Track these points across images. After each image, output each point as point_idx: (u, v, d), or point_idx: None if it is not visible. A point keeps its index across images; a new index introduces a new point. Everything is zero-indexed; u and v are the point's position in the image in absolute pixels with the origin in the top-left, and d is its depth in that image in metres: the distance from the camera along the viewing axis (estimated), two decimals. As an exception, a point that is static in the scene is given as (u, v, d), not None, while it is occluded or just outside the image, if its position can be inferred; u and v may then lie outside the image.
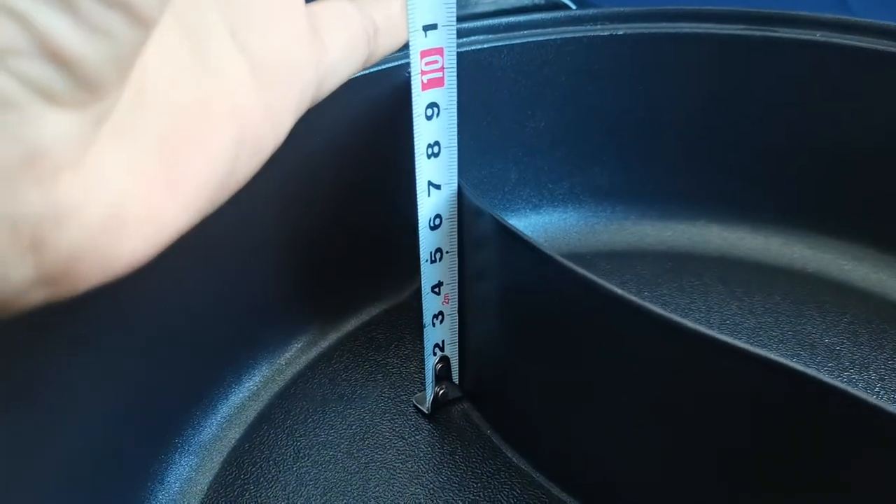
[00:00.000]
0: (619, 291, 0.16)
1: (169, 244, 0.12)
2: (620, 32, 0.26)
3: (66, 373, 0.17)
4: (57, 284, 0.10)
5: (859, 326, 0.24)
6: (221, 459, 0.21)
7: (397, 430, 0.22)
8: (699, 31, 0.26)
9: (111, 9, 0.09)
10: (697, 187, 0.28)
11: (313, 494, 0.20)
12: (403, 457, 0.21)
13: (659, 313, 0.16)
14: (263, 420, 0.22)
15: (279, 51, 0.14)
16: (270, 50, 0.13)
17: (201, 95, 0.12)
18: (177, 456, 0.21)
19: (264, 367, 0.23)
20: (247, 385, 0.23)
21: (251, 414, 0.22)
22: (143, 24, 0.09)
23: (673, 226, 0.28)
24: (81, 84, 0.09)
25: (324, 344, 0.24)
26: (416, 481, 0.20)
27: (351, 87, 0.19)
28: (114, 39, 0.09)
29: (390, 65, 0.23)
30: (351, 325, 0.25)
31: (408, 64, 0.18)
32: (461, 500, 0.20)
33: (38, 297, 0.10)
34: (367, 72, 0.22)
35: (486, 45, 0.25)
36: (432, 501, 0.20)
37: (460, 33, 0.24)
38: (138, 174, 0.11)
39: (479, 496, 0.20)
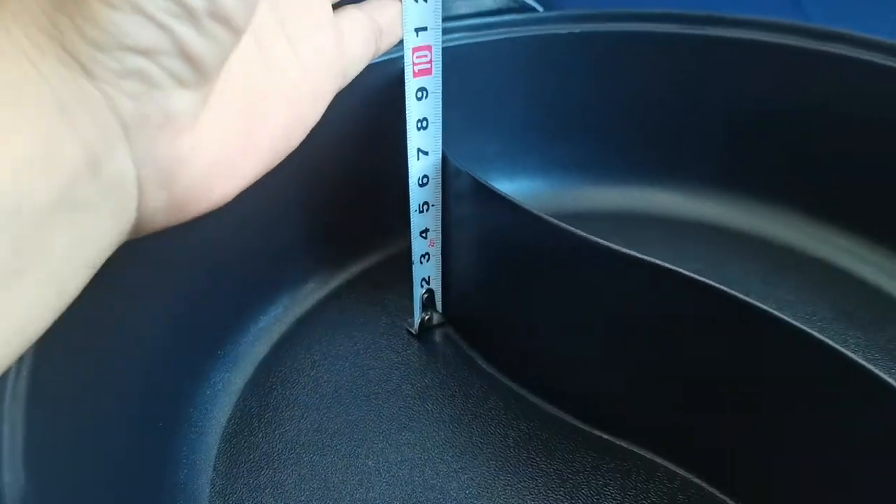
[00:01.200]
0: (571, 228, 0.22)
1: (242, 190, 0.17)
2: (577, 31, 0.32)
3: (136, 292, 0.23)
4: (175, 213, 0.16)
5: (780, 276, 0.30)
6: (253, 368, 0.27)
7: (392, 346, 0.28)
8: (642, 29, 0.31)
9: (219, 23, 0.14)
10: (645, 159, 0.34)
11: (326, 392, 0.26)
12: (397, 365, 0.27)
13: (604, 245, 0.21)
14: (285, 339, 0.28)
15: (318, 50, 0.19)
16: (312, 48, 0.19)
17: (267, 83, 0.17)
18: (217, 363, 0.26)
19: (286, 299, 0.29)
20: (272, 312, 0.28)
21: (275, 334, 0.28)
22: (238, 33, 0.14)
23: (625, 192, 0.34)
24: (199, 73, 0.14)
25: (333, 283, 0.30)
26: (406, 382, 0.26)
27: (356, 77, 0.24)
28: (220, 43, 0.14)
29: (386, 58, 0.29)
30: (356, 268, 0.31)
31: (399, 59, 0.24)
32: (441, 396, 0.26)
33: (161, 222, 0.16)
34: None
35: (466, 42, 0.31)
36: (419, 396, 0.26)
37: (445, 31, 0.30)
38: (226, 139, 0.16)
39: (455, 392, 0.26)
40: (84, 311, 0.19)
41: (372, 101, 0.29)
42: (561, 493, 0.23)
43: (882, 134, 0.29)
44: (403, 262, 0.31)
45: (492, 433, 0.25)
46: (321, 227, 0.30)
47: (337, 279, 0.30)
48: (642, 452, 0.24)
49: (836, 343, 0.18)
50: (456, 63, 0.30)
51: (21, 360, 0.17)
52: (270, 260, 0.28)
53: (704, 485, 0.23)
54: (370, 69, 0.27)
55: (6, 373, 0.17)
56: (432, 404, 0.26)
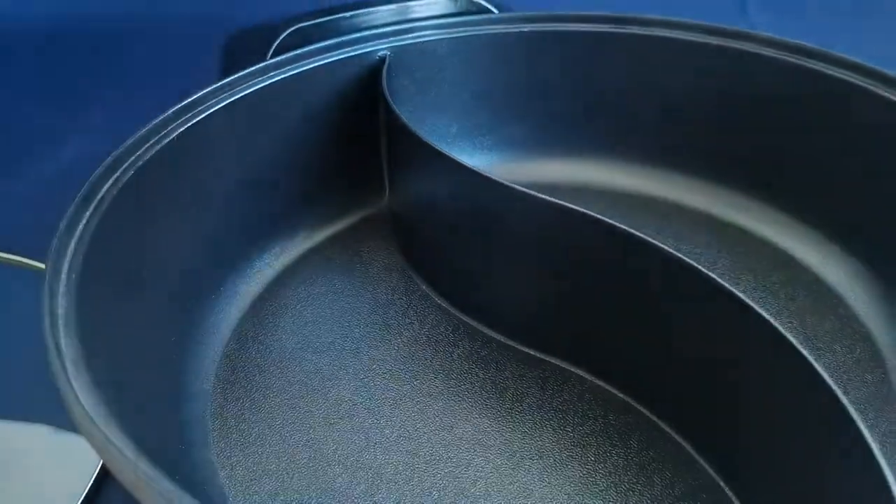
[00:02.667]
0: (502, 181, 0.27)
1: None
2: (526, 30, 0.37)
3: (164, 228, 0.28)
4: None
5: (692, 236, 0.35)
6: (249, 302, 0.32)
7: (364, 287, 0.33)
8: (579, 29, 0.37)
9: None
10: (585, 139, 0.39)
11: (308, 321, 0.32)
12: (366, 301, 0.33)
13: (528, 193, 0.27)
14: (277, 280, 0.34)
15: None
16: None
17: None
18: (219, 297, 0.32)
19: (278, 248, 0.34)
20: (266, 258, 0.34)
21: (268, 276, 0.34)
22: None
23: (570, 166, 0.39)
24: None
25: (318, 237, 0.36)
26: (374, 313, 0.32)
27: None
28: None
29: (364, 50, 0.35)
30: (339, 226, 0.36)
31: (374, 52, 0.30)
32: (401, 323, 0.31)
33: None
34: (332, 58, 0.34)
35: (430, 38, 0.36)
36: (383, 324, 0.31)
37: (412, 30, 0.36)
38: None
39: (413, 320, 0.32)
40: (128, 226, 0.25)
41: (351, 88, 0.35)
42: (493, 395, 0.29)
43: (791, 119, 0.34)
44: (378, 222, 0.37)
45: (441, 351, 0.30)
46: (310, 191, 0.36)
47: (322, 234, 0.36)
48: (558, 363, 0.29)
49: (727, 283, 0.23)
50: (422, 56, 0.36)
51: (77, 249, 0.23)
52: (266, 215, 0.34)
53: (607, 386, 0.29)
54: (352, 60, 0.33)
55: (63, 260, 0.22)
56: (394, 330, 0.31)
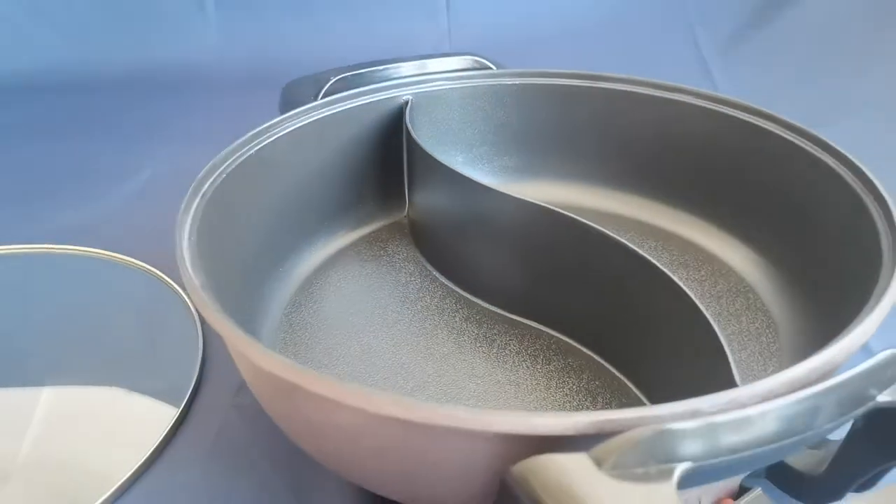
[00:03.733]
0: (494, 188, 0.37)
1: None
2: (517, 83, 0.48)
3: (246, 210, 0.38)
4: None
5: (658, 250, 0.45)
6: (301, 279, 0.42)
7: (387, 271, 0.43)
8: (559, 82, 0.47)
9: None
10: (562, 166, 0.49)
11: (346, 294, 0.41)
12: (389, 281, 0.42)
13: (514, 196, 0.37)
14: (322, 265, 0.44)
15: None
16: None
17: None
18: (282, 274, 0.42)
19: (323, 241, 0.45)
20: (314, 249, 0.44)
21: (316, 262, 0.44)
22: None
23: (549, 188, 0.49)
24: None
25: (353, 237, 0.46)
26: (395, 289, 0.42)
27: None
28: None
29: (387, 96, 0.45)
30: (369, 228, 0.47)
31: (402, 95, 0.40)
32: (416, 297, 0.41)
33: None
34: (359, 102, 0.44)
35: (444, 87, 0.47)
36: (402, 296, 0.41)
37: (425, 81, 0.46)
38: None
39: (423, 294, 0.41)
40: (221, 210, 0.35)
41: (380, 124, 0.45)
42: (484, 344, 0.38)
43: (723, 157, 0.44)
44: (399, 227, 0.47)
45: (446, 316, 0.40)
46: (347, 201, 0.46)
47: (356, 234, 0.46)
48: (533, 324, 0.39)
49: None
50: (437, 101, 0.47)
51: (197, 207, 0.33)
52: (314, 217, 0.44)
53: (568, 340, 0.38)
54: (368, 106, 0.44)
55: (185, 225, 0.32)
56: (411, 301, 0.41)
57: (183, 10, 0.81)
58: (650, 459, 0.21)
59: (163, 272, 0.48)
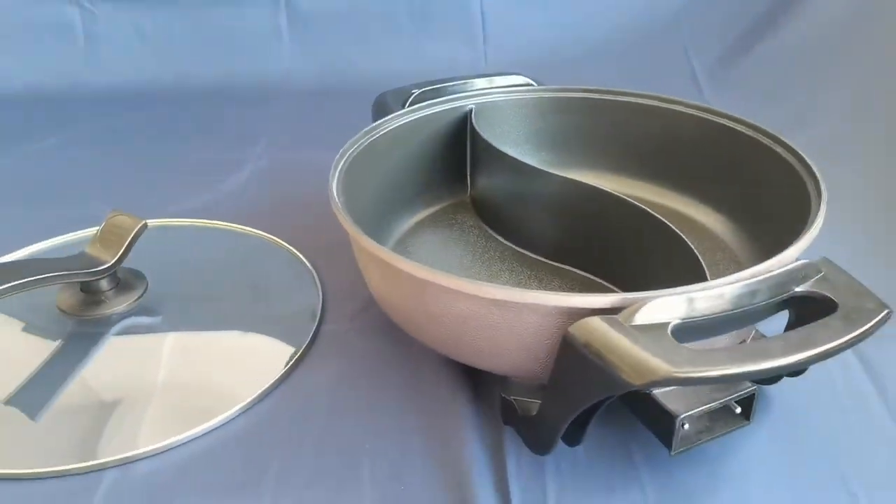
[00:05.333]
0: (544, 169, 0.52)
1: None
2: (551, 96, 0.62)
3: (363, 183, 0.53)
4: None
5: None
6: (397, 237, 0.57)
7: (455, 235, 0.57)
8: (582, 96, 0.61)
9: None
10: (585, 159, 0.63)
11: (430, 249, 0.56)
12: (458, 240, 0.57)
13: (560, 175, 0.51)
14: (409, 230, 0.58)
15: None
16: None
17: None
18: (386, 232, 0.56)
19: (408, 215, 0.59)
20: (406, 220, 0.58)
21: (405, 228, 0.58)
22: None
23: (576, 175, 0.63)
24: None
25: (429, 212, 0.60)
26: (464, 246, 0.56)
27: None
28: None
29: (452, 106, 0.59)
30: (440, 205, 0.61)
31: (467, 104, 0.55)
32: (483, 252, 0.55)
33: None
34: (436, 109, 0.58)
35: (498, 99, 0.61)
36: (472, 252, 0.55)
37: (481, 94, 0.60)
38: None
39: (487, 248, 0.55)
40: (349, 180, 0.49)
41: (446, 129, 0.59)
42: (534, 283, 0.52)
43: (706, 153, 0.57)
44: (464, 205, 0.61)
45: (498, 260, 0.54)
46: (424, 185, 0.60)
47: (431, 209, 0.60)
48: (556, 264, 0.53)
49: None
50: (493, 109, 0.61)
51: (339, 168, 0.47)
52: (403, 195, 0.58)
53: (590, 275, 0.52)
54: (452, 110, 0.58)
55: (333, 182, 0.47)
56: (477, 252, 0.55)
57: (262, 35, 0.96)
58: (653, 319, 0.35)
59: (278, 237, 0.62)
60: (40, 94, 0.93)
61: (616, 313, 0.35)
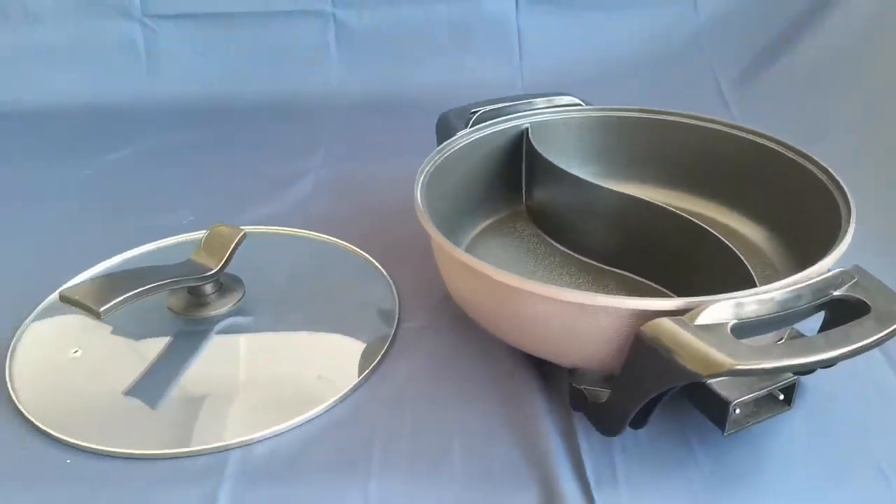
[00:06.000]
0: (595, 182, 0.58)
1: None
2: (597, 115, 0.68)
3: (440, 194, 0.59)
4: None
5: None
6: (468, 240, 0.63)
7: (515, 242, 0.63)
8: (624, 114, 0.67)
9: None
10: (630, 172, 0.69)
11: (492, 254, 0.62)
12: (516, 247, 0.63)
13: (611, 189, 0.57)
14: (474, 239, 0.64)
15: None
16: None
17: None
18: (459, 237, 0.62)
19: (474, 223, 0.65)
20: (472, 228, 0.64)
21: (472, 234, 0.64)
22: None
23: (622, 187, 0.69)
24: None
25: (491, 220, 0.66)
26: (523, 253, 0.62)
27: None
28: None
29: (509, 125, 0.65)
30: (500, 215, 0.66)
31: (523, 124, 0.61)
32: (538, 257, 0.61)
33: None
34: (497, 128, 0.64)
35: (550, 119, 0.67)
36: (532, 258, 0.61)
37: (542, 114, 0.66)
38: None
39: (544, 254, 0.62)
40: (430, 184, 0.55)
41: (508, 144, 0.65)
42: (582, 277, 0.58)
43: (739, 165, 0.63)
44: (520, 214, 0.67)
45: (556, 264, 0.60)
46: (486, 197, 0.66)
47: (493, 218, 0.66)
48: (610, 268, 0.59)
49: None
50: (546, 128, 0.67)
51: (421, 183, 0.53)
52: (468, 206, 0.64)
53: (643, 280, 0.58)
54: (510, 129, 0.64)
55: (418, 188, 0.53)
56: (537, 256, 0.61)
57: (312, 51, 1.02)
58: (714, 319, 0.41)
59: (348, 242, 0.68)
60: (106, 107, 0.99)
61: (681, 315, 0.41)
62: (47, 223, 0.75)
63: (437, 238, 0.50)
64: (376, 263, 0.66)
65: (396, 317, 0.59)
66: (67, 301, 0.50)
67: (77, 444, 0.48)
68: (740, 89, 0.94)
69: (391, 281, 0.63)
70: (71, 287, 0.51)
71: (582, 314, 0.44)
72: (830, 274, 0.44)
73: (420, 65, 1.00)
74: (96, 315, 0.48)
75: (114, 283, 0.52)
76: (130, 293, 0.51)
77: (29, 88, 0.99)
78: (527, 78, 0.99)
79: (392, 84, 1.00)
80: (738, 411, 0.45)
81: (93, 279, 0.52)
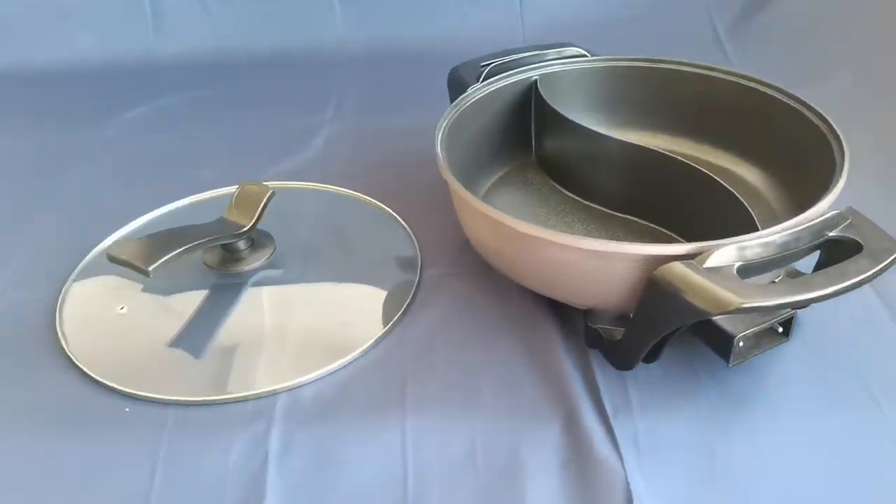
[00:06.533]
0: (604, 133, 0.61)
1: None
2: (603, 65, 0.70)
3: (458, 145, 0.61)
4: None
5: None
6: (483, 191, 0.66)
7: (525, 188, 0.67)
8: (629, 64, 0.70)
9: None
10: (634, 118, 0.72)
11: (504, 201, 0.65)
12: (528, 193, 0.66)
13: (619, 139, 0.60)
14: (490, 188, 0.67)
15: None
16: None
17: None
18: (475, 186, 0.65)
19: (486, 174, 0.68)
20: (486, 181, 0.67)
21: (487, 186, 0.67)
22: None
23: (626, 133, 0.72)
24: None
25: (504, 170, 0.69)
26: (530, 197, 0.65)
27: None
28: None
29: (517, 78, 0.68)
30: (512, 165, 0.69)
31: (533, 76, 0.63)
32: (547, 202, 0.65)
33: None
34: (508, 81, 0.66)
35: (558, 69, 0.69)
36: (539, 201, 0.65)
37: (550, 65, 0.69)
38: None
39: (550, 199, 0.65)
40: (449, 138, 0.58)
41: (518, 95, 0.68)
42: (592, 222, 0.62)
43: (738, 110, 0.65)
44: (530, 164, 0.70)
45: (563, 209, 0.64)
46: (499, 148, 0.69)
47: (505, 168, 0.69)
48: (618, 214, 0.62)
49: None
50: (555, 79, 0.69)
51: (440, 140, 0.56)
52: (482, 157, 0.67)
53: (649, 223, 0.62)
54: (520, 81, 0.67)
55: (438, 139, 0.56)
56: (546, 201, 0.65)
57: (316, 6, 1.03)
58: (721, 262, 0.44)
59: (367, 195, 0.71)
60: (118, 67, 1.00)
61: (691, 258, 0.45)
62: (78, 186, 0.77)
63: (461, 192, 0.53)
64: (395, 215, 0.69)
65: (419, 265, 0.63)
66: (115, 261, 0.53)
67: (134, 394, 0.52)
68: (736, 32, 0.96)
69: (410, 231, 0.67)
70: (116, 247, 0.54)
71: (599, 260, 0.48)
72: (827, 216, 0.47)
73: (423, 15, 1.02)
74: (145, 273, 0.52)
75: (157, 242, 0.55)
76: (175, 252, 0.54)
77: (36, 48, 1.00)
78: (527, 24, 1.01)
79: (395, 34, 1.02)
80: (741, 344, 0.49)
81: (138, 239, 0.55)
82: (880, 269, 0.44)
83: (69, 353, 0.55)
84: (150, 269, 0.51)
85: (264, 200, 0.60)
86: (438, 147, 0.56)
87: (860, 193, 0.53)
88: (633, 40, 0.95)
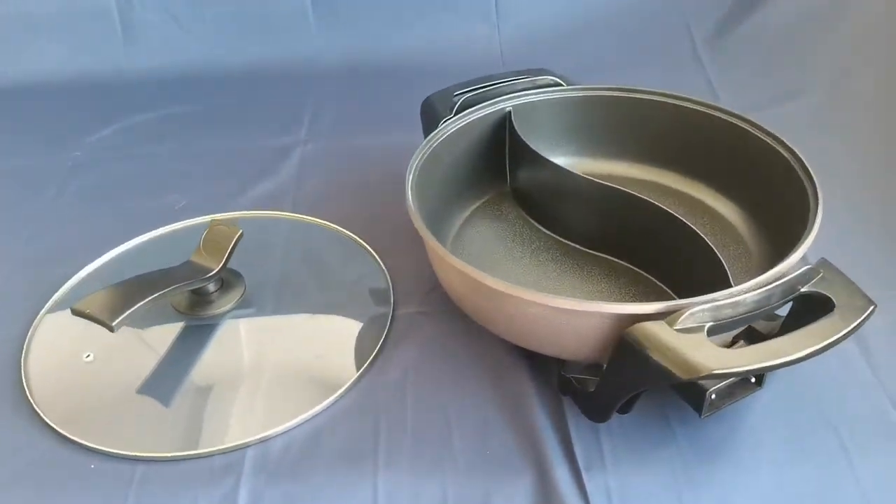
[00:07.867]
0: (575, 173, 0.60)
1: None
2: (579, 95, 0.69)
3: (428, 182, 0.60)
4: None
5: (674, 205, 0.68)
6: (456, 229, 0.65)
7: (499, 225, 0.66)
8: (604, 94, 0.68)
9: None
10: (608, 149, 0.71)
11: (482, 239, 0.64)
12: (502, 229, 0.65)
13: (590, 179, 0.59)
14: (465, 221, 0.66)
15: None
16: None
17: None
18: (445, 226, 0.64)
19: (459, 208, 0.67)
20: (460, 214, 0.66)
21: (461, 220, 0.66)
22: None
23: (600, 164, 0.71)
24: None
25: (477, 203, 0.67)
26: (507, 236, 0.64)
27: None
28: None
29: (492, 110, 0.66)
30: (486, 197, 0.68)
31: (506, 106, 0.62)
32: (523, 239, 0.64)
33: None
34: (481, 114, 0.65)
35: (533, 100, 0.67)
36: (514, 238, 0.64)
37: (524, 96, 0.67)
38: None
39: (527, 237, 0.64)
40: (420, 175, 0.57)
41: (491, 127, 0.67)
42: (566, 263, 0.61)
43: (713, 142, 0.65)
44: (505, 196, 0.69)
45: (539, 249, 0.63)
46: (472, 181, 0.67)
47: (479, 201, 0.68)
48: (596, 253, 0.62)
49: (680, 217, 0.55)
50: (531, 110, 0.68)
51: (411, 182, 0.55)
52: (457, 189, 0.66)
53: (620, 261, 0.61)
54: (493, 112, 0.65)
55: (408, 181, 0.55)
56: (520, 238, 0.64)
57: (289, 17, 1.00)
58: (692, 322, 0.44)
59: (339, 226, 0.70)
60: (87, 83, 0.97)
61: (662, 318, 0.44)
62: (44, 215, 0.75)
63: (432, 243, 0.52)
64: (368, 248, 0.68)
65: (391, 303, 0.62)
66: (80, 315, 0.52)
67: (100, 449, 0.51)
68: (714, 46, 0.95)
69: (383, 266, 0.66)
70: (82, 301, 0.53)
71: (569, 317, 0.47)
72: (799, 273, 0.46)
73: (399, 26, 1.00)
74: (110, 328, 0.51)
75: (122, 292, 0.54)
76: (139, 303, 0.53)
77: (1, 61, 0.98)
78: (504, 36, 0.99)
79: (370, 46, 1.00)
80: (714, 396, 0.49)
81: (102, 290, 0.54)
82: (852, 330, 0.44)
83: (34, 405, 0.54)
84: (114, 323, 0.50)
85: (233, 242, 0.59)
86: (409, 193, 0.55)
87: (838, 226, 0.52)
88: (609, 51, 0.94)
